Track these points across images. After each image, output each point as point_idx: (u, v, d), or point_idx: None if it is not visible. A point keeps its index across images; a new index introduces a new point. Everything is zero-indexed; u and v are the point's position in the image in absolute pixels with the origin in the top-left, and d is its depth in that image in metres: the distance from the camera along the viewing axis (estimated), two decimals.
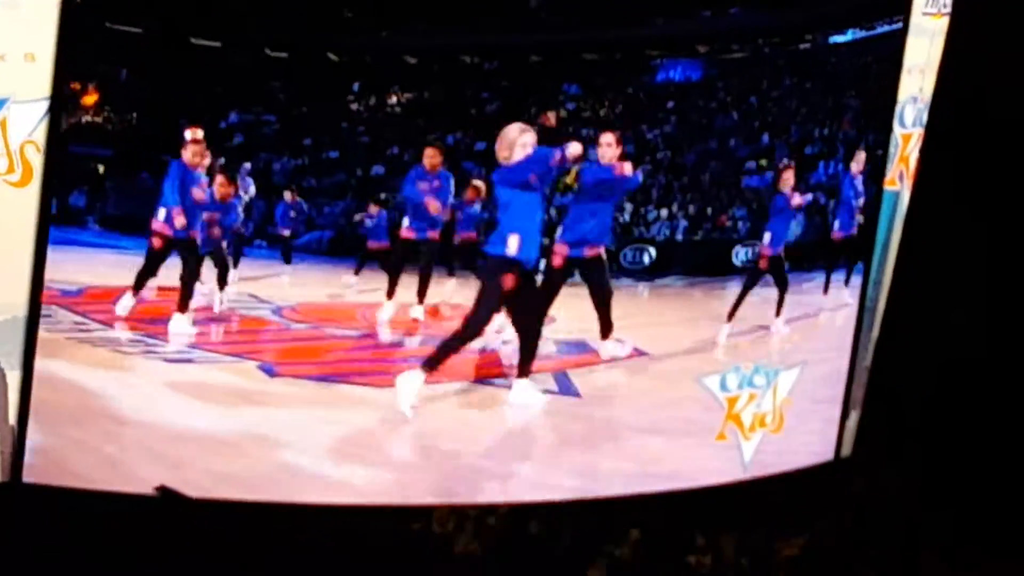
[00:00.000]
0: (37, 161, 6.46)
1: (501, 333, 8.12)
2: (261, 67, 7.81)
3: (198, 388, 7.52)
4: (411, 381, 7.65)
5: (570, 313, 8.29)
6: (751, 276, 8.67)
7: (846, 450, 8.41)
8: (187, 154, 7.68)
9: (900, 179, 8.09)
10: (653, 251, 8.55)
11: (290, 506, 7.32)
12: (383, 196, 8.59)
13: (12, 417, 6.77)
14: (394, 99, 8.61)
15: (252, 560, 7.73)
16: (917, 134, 8.04)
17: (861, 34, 8.21)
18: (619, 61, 8.36)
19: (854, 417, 8.40)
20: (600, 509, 7.97)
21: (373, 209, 8.57)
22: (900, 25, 7.85)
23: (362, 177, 8.67)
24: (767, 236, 8.63)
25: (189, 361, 7.73)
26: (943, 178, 8.22)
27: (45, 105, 6.41)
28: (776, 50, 8.53)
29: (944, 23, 7.83)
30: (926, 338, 8.64)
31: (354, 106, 8.48)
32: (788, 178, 8.49)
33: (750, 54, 8.48)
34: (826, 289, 8.84)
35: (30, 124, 6.42)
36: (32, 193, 6.49)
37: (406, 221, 8.47)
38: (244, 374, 7.74)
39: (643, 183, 8.38)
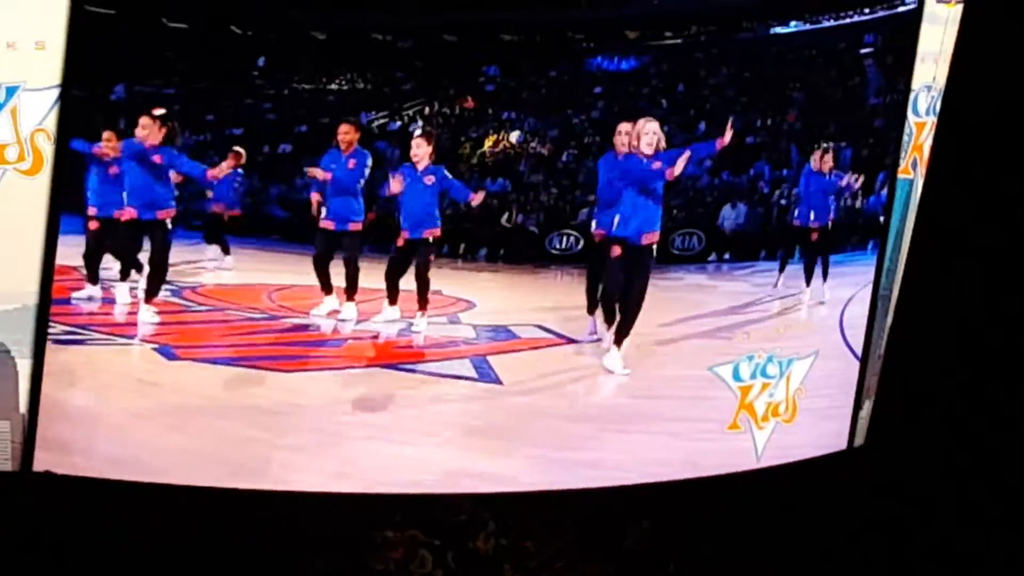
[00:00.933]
0: (48, 149, 6.39)
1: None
2: (159, 38, 7.48)
3: (87, 370, 7.31)
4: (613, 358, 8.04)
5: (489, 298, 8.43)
6: (808, 248, 8.70)
7: (859, 440, 8.32)
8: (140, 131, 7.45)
9: (914, 167, 7.98)
10: (579, 237, 8.44)
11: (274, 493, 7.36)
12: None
13: (23, 406, 6.73)
14: (302, 76, 8.31)
15: (251, 549, 7.70)
16: (931, 122, 7.92)
17: (807, 26, 8.13)
18: (541, 44, 8.18)
19: (867, 407, 8.30)
20: (609, 499, 7.92)
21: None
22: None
23: (269, 154, 8.38)
24: (812, 213, 8.56)
25: (79, 343, 7.44)
26: (958, 166, 8.13)
27: (56, 93, 6.34)
28: (712, 38, 8.39)
29: (958, 11, 7.72)
30: (940, 327, 8.56)
31: (259, 82, 8.12)
32: (827, 159, 8.37)
33: (684, 41, 8.35)
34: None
35: (41, 112, 6.35)
36: (42, 182, 6.42)
37: (324, 211, 8.15)
38: (140, 357, 7.61)
39: (573, 168, 8.40)
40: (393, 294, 8.22)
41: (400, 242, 8.19)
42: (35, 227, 6.49)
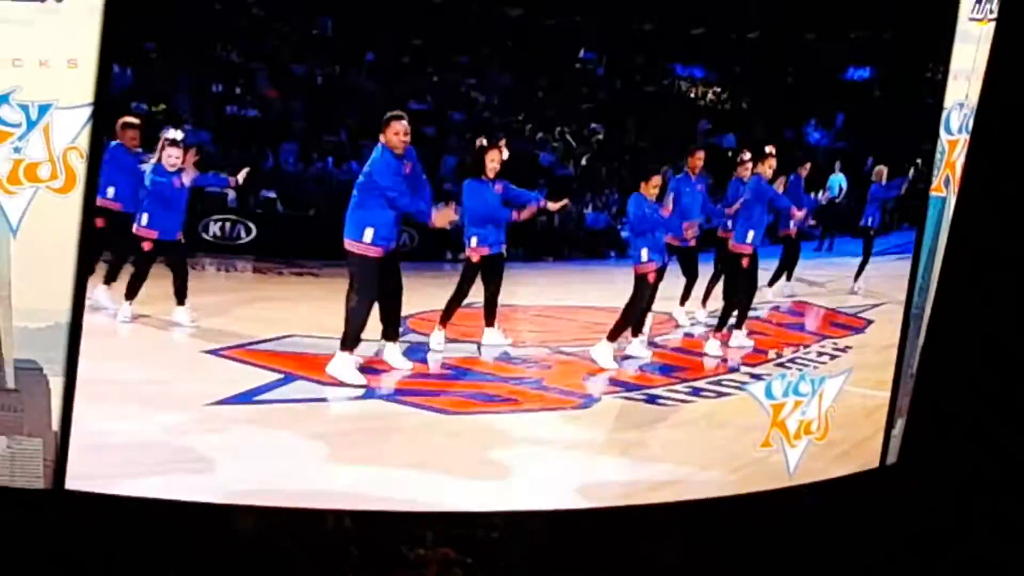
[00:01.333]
0: (80, 167, 6.32)
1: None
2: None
3: None
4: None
5: None
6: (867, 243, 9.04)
7: (892, 458, 8.24)
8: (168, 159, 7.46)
9: (946, 185, 7.89)
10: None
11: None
12: None
13: (55, 424, 6.66)
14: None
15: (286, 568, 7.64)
16: (963, 140, 7.84)
17: None
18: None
19: (900, 425, 8.22)
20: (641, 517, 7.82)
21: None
22: None
23: None
24: (871, 219, 8.96)
25: None
26: (990, 184, 8.04)
27: (88, 111, 6.27)
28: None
29: (990, 28, 7.63)
30: (973, 344, 8.45)
31: None
32: (882, 171, 8.70)
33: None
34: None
35: (73, 130, 6.27)
36: (75, 200, 6.35)
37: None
38: None
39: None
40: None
41: (476, 258, 7.99)
42: (67, 246, 6.41)
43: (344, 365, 7.52)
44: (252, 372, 7.52)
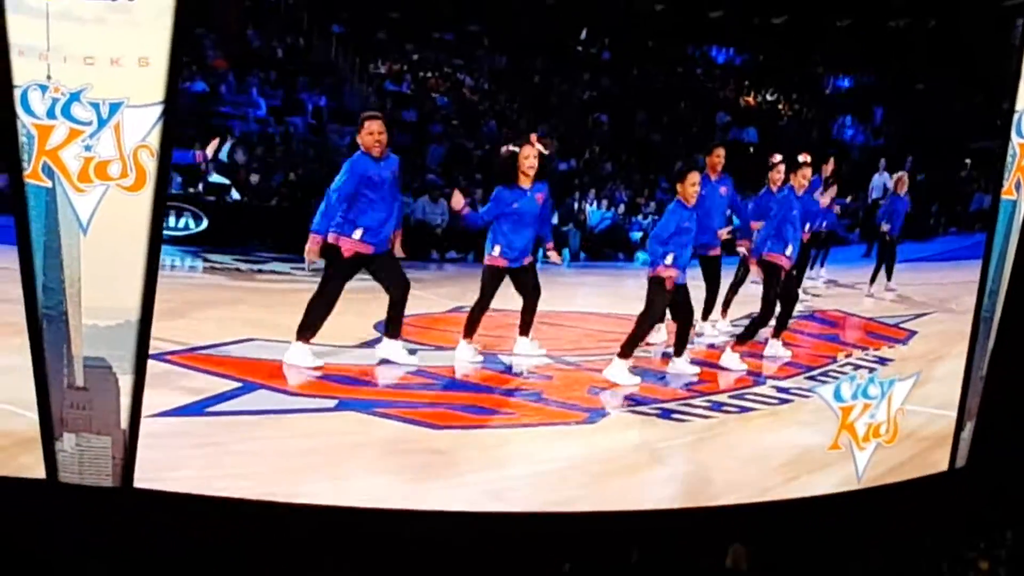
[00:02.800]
0: (151, 166, 6.16)
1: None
2: None
3: None
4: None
5: None
6: (884, 249, 8.96)
7: (961, 461, 8.07)
8: None
9: (1017, 188, 7.73)
10: None
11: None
12: None
13: (124, 422, 6.49)
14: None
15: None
16: None
17: None
18: None
19: (969, 428, 8.06)
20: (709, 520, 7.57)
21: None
22: None
23: None
24: (886, 227, 8.93)
25: None
26: None
27: (159, 109, 6.10)
28: None
29: None
30: None
31: None
32: (904, 180, 8.62)
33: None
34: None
35: (144, 128, 6.12)
36: (145, 198, 6.19)
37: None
38: None
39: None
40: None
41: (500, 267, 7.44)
42: (138, 244, 6.25)
43: (301, 353, 7.13)
44: (205, 380, 7.02)
